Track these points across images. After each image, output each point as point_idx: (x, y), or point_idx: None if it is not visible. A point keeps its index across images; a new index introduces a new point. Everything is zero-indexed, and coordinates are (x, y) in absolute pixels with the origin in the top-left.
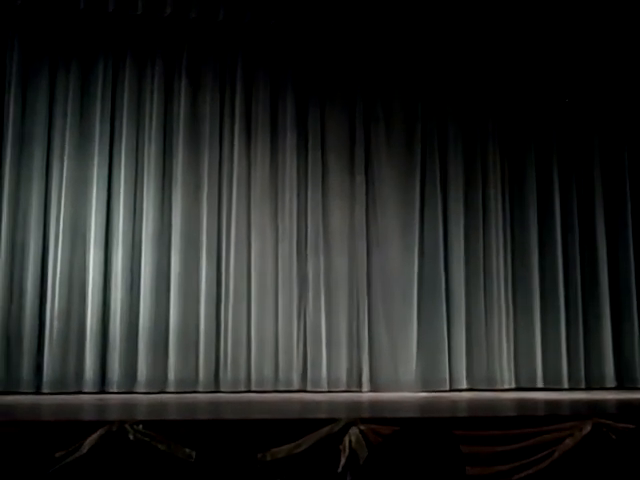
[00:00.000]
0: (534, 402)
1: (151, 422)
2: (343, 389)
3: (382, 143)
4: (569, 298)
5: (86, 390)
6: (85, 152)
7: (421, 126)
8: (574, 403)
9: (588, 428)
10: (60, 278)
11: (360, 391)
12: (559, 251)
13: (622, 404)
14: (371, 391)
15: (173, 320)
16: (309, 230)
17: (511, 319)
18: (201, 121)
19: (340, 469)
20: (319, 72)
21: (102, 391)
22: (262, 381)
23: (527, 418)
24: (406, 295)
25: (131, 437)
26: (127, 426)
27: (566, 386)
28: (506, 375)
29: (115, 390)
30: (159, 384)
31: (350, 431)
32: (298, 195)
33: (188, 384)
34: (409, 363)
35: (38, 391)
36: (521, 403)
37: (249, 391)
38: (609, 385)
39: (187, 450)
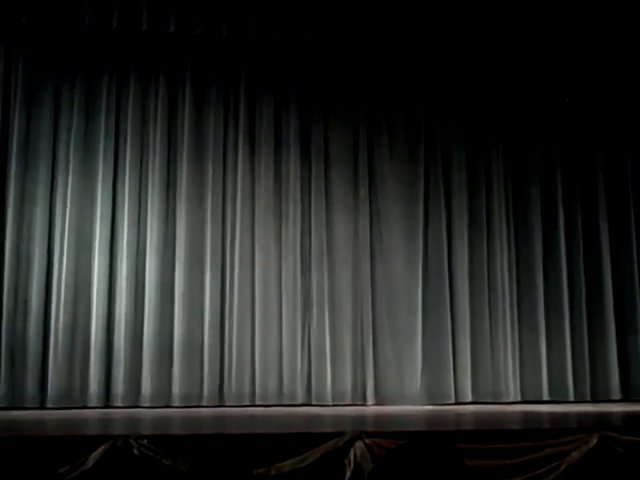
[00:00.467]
0: (540, 415)
1: (156, 437)
2: (348, 403)
3: (385, 157)
4: (574, 311)
5: (91, 405)
6: (90, 166)
7: (424, 139)
8: (580, 416)
9: (594, 441)
10: (65, 291)
11: (365, 405)
12: (563, 264)
13: (628, 417)
14: (376, 404)
15: (177, 334)
16: (313, 243)
17: (516, 331)
18: (205, 135)
19: None
20: (322, 86)
21: (107, 405)
22: (266, 395)
23: (533, 431)
24: (410, 308)
25: (136, 452)
26: (132, 441)
27: (572, 399)
28: (511, 388)
29: (120, 404)
30: (164, 398)
31: (355, 445)
32: (302, 208)
33: (193, 398)
34: (414, 376)
35: (42, 406)
36: (527, 416)
37: (253, 405)
38: (615, 397)
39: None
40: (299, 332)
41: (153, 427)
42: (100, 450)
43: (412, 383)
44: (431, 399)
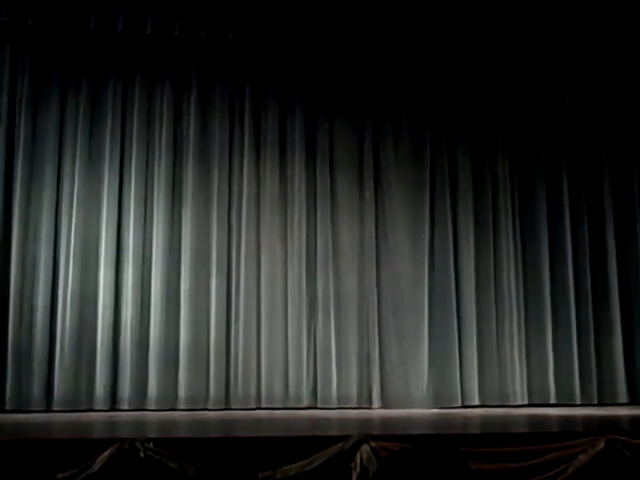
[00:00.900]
0: (547, 418)
1: (162, 440)
2: (353, 406)
3: (391, 159)
4: (580, 313)
5: (97, 408)
6: (95, 170)
7: (430, 142)
8: (587, 419)
9: (602, 444)
10: (71, 296)
11: (370, 408)
12: (570, 265)
13: (635, 420)
14: (382, 408)
15: (183, 337)
16: (318, 246)
17: (523, 334)
18: (210, 139)
19: None
20: (327, 89)
21: (113, 409)
22: (272, 398)
23: (540, 435)
24: (417, 311)
25: (142, 455)
26: (138, 444)
27: (578, 402)
28: (518, 391)
29: (126, 407)
30: (170, 401)
31: (361, 448)
32: (307, 211)
33: (198, 401)
34: (420, 379)
35: (49, 409)
36: (534, 419)
37: (259, 408)
38: (621, 401)
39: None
40: (305, 335)
41: (159, 430)
42: (106, 453)
43: (418, 386)
44: (437, 402)
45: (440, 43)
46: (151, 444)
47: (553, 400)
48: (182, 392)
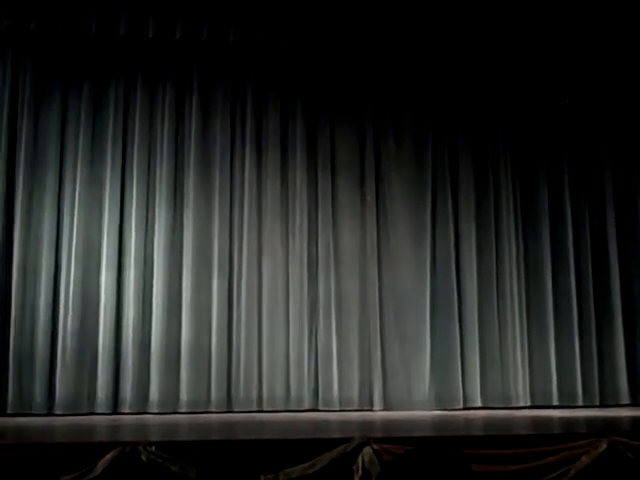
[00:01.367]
0: (549, 420)
1: (164, 443)
2: (355, 408)
3: (392, 161)
4: (582, 314)
5: (99, 411)
6: (97, 172)
7: (431, 144)
8: (589, 421)
9: (604, 446)
10: (72, 298)
11: (372, 410)
12: (572, 267)
13: (637, 421)
14: (384, 410)
15: (185, 340)
16: (320, 248)
17: (525, 336)
18: (212, 142)
19: None
20: (329, 92)
21: (115, 412)
22: (274, 400)
23: (542, 436)
24: (418, 313)
25: (144, 458)
26: (140, 447)
27: (581, 403)
28: (521, 392)
29: (128, 411)
30: (171, 404)
31: (363, 451)
32: (309, 214)
33: (200, 404)
34: (422, 381)
35: (50, 412)
36: (536, 421)
37: (261, 411)
38: (623, 402)
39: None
40: (306, 338)
41: (161, 433)
42: (108, 457)
43: (420, 388)
44: (439, 404)
45: (441, 45)
46: (153, 447)
47: (555, 402)
48: (184, 395)
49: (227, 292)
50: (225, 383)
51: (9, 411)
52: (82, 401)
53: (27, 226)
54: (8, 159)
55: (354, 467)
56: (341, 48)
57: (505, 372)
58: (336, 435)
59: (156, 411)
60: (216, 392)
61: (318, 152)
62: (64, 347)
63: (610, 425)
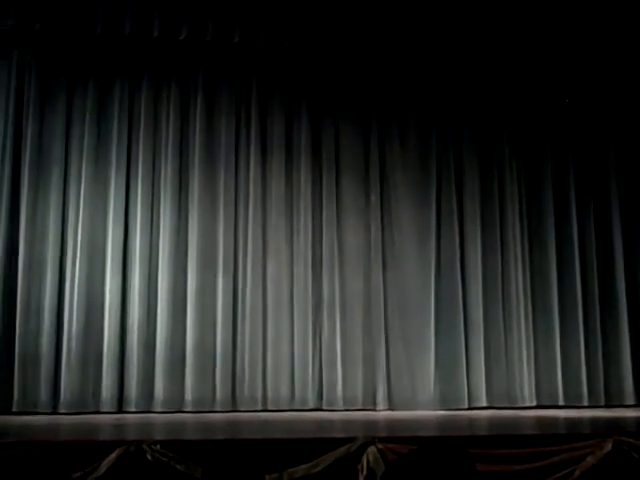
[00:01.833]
0: (554, 420)
1: (169, 442)
2: (359, 407)
3: (397, 162)
4: (588, 315)
5: (103, 410)
6: (102, 172)
7: (436, 144)
8: (594, 421)
9: (609, 446)
10: (77, 298)
11: (376, 410)
12: (577, 268)
13: None
14: (388, 409)
15: (190, 339)
16: (324, 249)
17: (530, 336)
18: (217, 142)
19: None
20: (334, 92)
21: (120, 411)
22: (278, 400)
23: (547, 436)
24: (423, 313)
25: (149, 457)
26: (145, 446)
27: (586, 403)
28: (526, 392)
29: (133, 410)
30: (176, 403)
31: (368, 450)
32: (313, 214)
33: (205, 403)
34: (427, 381)
35: (55, 411)
36: (541, 421)
37: (265, 410)
38: (629, 402)
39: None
40: (310, 337)
41: (166, 432)
42: (113, 455)
43: (425, 388)
44: (444, 404)
45: (445, 46)
46: (158, 446)
47: (561, 402)
48: (189, 394)
49: (232, 291)
50: (230, 382)
51: (14, 409)
52: (87, 400)
53: (32, 227)
54: (13, 159)
55: (359, 466)
56: (346, 49)
57: (510, 372)
58: (340, 435)
59: (161, 410)
60: (221, 391)
61: (323, 152)
62: (69, 345)
63: (615, 425)
